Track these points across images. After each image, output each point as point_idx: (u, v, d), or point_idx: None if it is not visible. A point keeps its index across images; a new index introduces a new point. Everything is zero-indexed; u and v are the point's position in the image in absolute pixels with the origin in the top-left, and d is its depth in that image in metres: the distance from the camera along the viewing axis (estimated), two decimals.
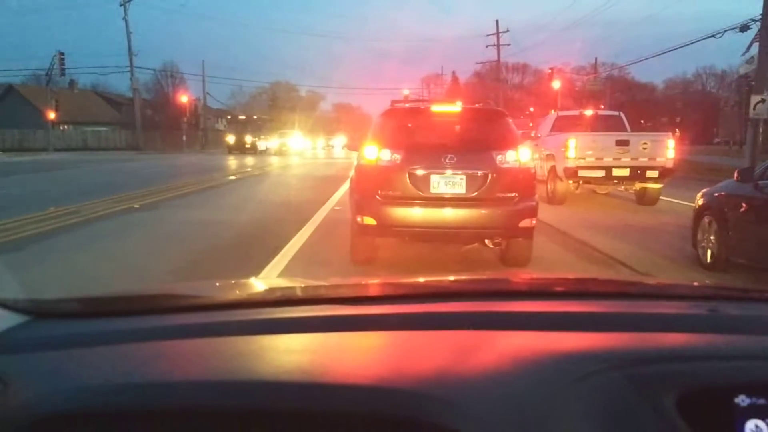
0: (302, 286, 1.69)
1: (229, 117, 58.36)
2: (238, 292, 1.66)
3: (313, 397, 0.88)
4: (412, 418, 0.83)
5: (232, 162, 31.98)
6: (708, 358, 0.96)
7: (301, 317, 1.23)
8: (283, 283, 2.15)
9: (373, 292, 1.60)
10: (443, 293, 1.56)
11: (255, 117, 51.50)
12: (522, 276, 2.06)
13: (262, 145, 46.01)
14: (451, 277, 1.77)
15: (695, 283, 1.91)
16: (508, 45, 49.29)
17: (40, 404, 0.90)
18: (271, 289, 1.63)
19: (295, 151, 45.74)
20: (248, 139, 44.82)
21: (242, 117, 50.02)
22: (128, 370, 0.99)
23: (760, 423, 0.84)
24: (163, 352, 1.08)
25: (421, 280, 1.82)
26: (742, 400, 0.85)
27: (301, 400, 0.88)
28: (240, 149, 44.00)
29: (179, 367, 1.02)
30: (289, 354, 1.07)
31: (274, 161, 34.00)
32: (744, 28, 19.15)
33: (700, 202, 7.02)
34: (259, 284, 2.00)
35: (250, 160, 34.24)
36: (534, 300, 1.45)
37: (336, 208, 11.29)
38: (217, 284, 1.83)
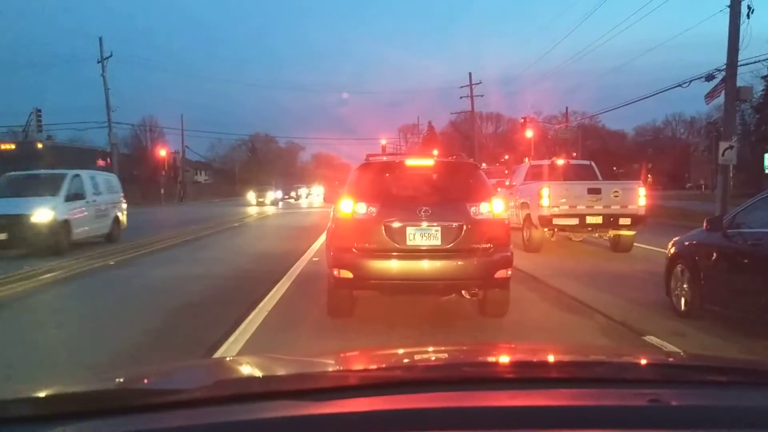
0: (259, 376, 1.66)
1: None
2: (191, 382, 1.61)
3: None
4: None
5: (208, 214, 31.76)
6: None
7: (255, 420, 1.21)
8: (242, 365, 2.09)
9: (336, 381, 1.58)
10: (416, 381, 1.55)
11: None
12: (486, 357, 2.07)
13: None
14: (429, 350, 1.75)
15: (644, 362, 1.95)
16: (482, 96, 50.30)
17: None
18: (225, 383, 1.58)
19: (271, 202, 45.46)
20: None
21: None
22: None
23: None
24: None
25: (393, 358, 1.79)
26: None
27: None
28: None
29: None
30: None
31: (253, 212, 34.12)
32: (710, 77, 19.85)
33: (672, 250, 7.15)
34: (215, 370, 1.96)
35: (229, 212, 34.09)
36: (494, 391, 1.47)
37: (314, 259, 11.27)
38: (171, 371, 1.81)
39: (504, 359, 2.00)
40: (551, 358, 1.98)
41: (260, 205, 43.17)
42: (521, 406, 1.34)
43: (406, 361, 1.87)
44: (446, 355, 2.18)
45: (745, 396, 1.50)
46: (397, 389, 1.42)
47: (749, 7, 16.89)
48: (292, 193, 61.51)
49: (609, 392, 1.46)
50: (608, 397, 1.42)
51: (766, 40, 19.32)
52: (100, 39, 44.84)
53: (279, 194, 53.34)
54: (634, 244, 12.97)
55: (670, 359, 1.96)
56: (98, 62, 44.78)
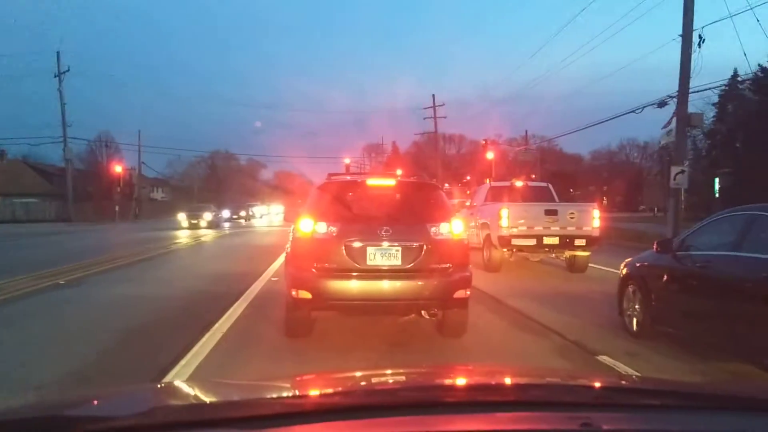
0: (200, 402, 1.63)
1: None
2: (126, 408, 1.58)
3: None
4: None
5: (161, 234, 30.34)
6: None
7: None
8: (186, 390, 2.05)
9: (283, 407, 1.55)
10: (366, 406, 1.55)
11: None
12: (434, 381, 2.10)
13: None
14: (386, 373, 1.76)
15: (580, 385, 2.02)
16: (445, 117, 51.06)
17: None
18: (162, 409, 1.55)
19: (208, 224, 37.06)
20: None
21: None
22: None
23: None
24: None
25: (339, 383, 1.78)
26: None
27: None
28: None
29: None
30: None
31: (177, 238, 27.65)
32: (662, 104, 20.55)
33: (624, 271, 7.32)
34: (156, 395, 1.93)
35: (183, 231, 32.91)
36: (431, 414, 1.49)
37: (273, 279, 11.16)
38: (109, 396, 1.77)
39: (449, 382, 2.03)
40: (493, 381, 2.02)
41: (194, 228, 35.30)
42: (460, 430, 1.36)
43: (340, 388, 1.87)
44: (394, 379, 2.19)
45: (677, 419, 1.55)
46: (348, 414, 1.42)
47: (700, 37, 17.61)
48: (242, 213, 52.63)
49: (545, 415, 1.50)
50: (543, 421, 1.46)
51: (716, 68, 20.18)
52: (58, 53, 44.22)
53: (225, 214, 47.67)
54: (589, 264, 13.25)
55: (606, 382, 2.02)
56: (55, 77, 43.99)
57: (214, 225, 37.51)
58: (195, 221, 36.51)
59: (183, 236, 28.07)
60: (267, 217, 60.81)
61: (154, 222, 45.53)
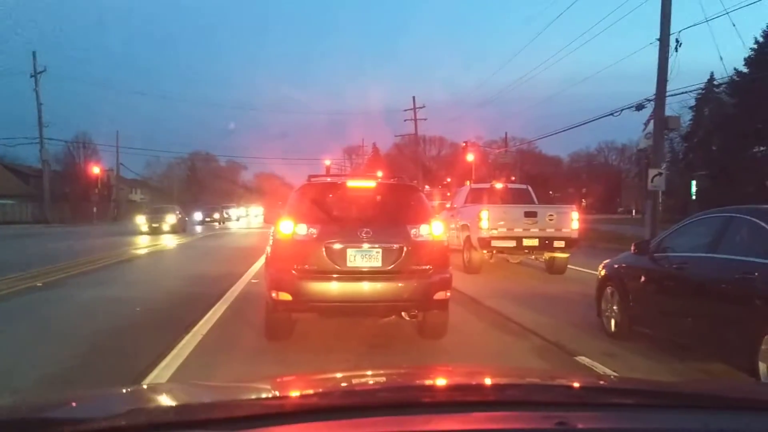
0: (176, 404, 1.62)
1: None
2: (101, 410, 1.57)
3: None
4: None
5: (112, 240, 26.22)
6: None
7: None
8: (163, 393, 2.03)
9: (257, 408, 1.55)
10: (345, 407, 1.55)
11: None
12: (411, 382, 2.12)
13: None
14: (366, 374, 1.76)
15: (555, 384, 2.05)
16: (425, 119, 51.18)
17: None
18: (137, 411, 1.52)
19: (171, 228, 31.66)
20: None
21: None
22: None
23: None
24: None
25: (319, 384, 1.79)
26: None
27: None
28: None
29: None
30: None
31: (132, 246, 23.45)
32: (639, 107, 20.80)
33: (602, 273, 7.39)
34: (132, 397, 1.92)
35: (140, 238, 27.96)
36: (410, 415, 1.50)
37: (253, 281, 11.09)
38: (84, 399, 1.76)
39: (428, 382, 2.05)
40: (472, 382, 2.04)
41: (155, 232, 30.61)
42: (438, 430, 1.37)
43: (320, 389, 1.87)
44: (373, 380, 2.20)
45: (650, 418, 1.57)
46: (323, 416, 1.42)
47: (677, 41, 17.84)
48: (216, 215, 49.32)
49: (520, 415, 1.51)
50: (519, 420, 1.48)
51: (693, 72, 20.46)
52: (34, 53, 43.62)
53: (197, 216, 45.68)
54: (568, 266, 13.36)
55: (581, 382, 2.05)
56: (31, 76, 43.35)
57: (179, 229, 32.30)
58: (156, 225, 31.30)
59: (128, 245, 22.66)
60: (245, 219, 58.99)
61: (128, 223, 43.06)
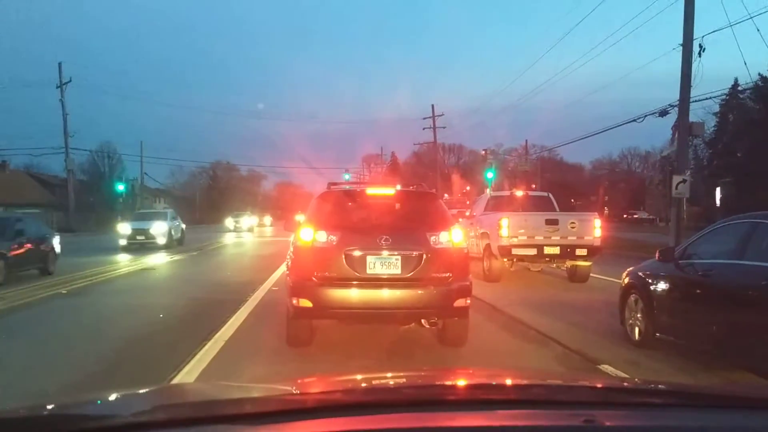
0: (199, 401, 1.63)
1: None
2: (128, 408, 1.58)
3: None
4: None
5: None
6: None
7: None
8: (187, 391, 2.05)
9: (278, 405, 1.55)
10: (367, 403, 1.56)
11: None
12: (434, 381, 2.11)
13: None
14: (387, 375, 1.77)
15: (580, 384, 2.03)
16: (444, 127, 51.06)
17: None
18: (163, 408, 1.54)
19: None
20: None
21: None
22: None
23: None
24: None
25: (342, 384, 1.79)
26: None
27: None
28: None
29: None
30: None
31: None
32: (663, 113, 20.58)
33: (626, 281, 7.29)
34: (157, 396, 1.94)
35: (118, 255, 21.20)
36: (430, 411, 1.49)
37: (273, 288, 11.14)
38: (111, 397, 1.78)
39: (449, 382, 2.04)
40: (494, 381, 2.02)
41: (141, 246, 23.93)
42: (461, 426, 1.36)
43: (341, 387, 1.88)
44: (395, 380, 2.20)
45: (677, 417, 1.55)
46: (345, 412, 1.42)
47: (701, 46, 17.62)
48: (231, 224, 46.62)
49: (546, 413, 1.50)
50: (545, 418, 1.46)
51: (717, 78, 20.19)
52: (60, 64, 44.32)
53: (230, 223, 44.53)
54: (591, 274, 13.20)
55: (607, 382, 2.03)
56: (57, 87, 44.13)
57: (173, 242, 25.48)
58: (141, 237, 24.27)
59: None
60: (259, 229, 53.55)
61: None
